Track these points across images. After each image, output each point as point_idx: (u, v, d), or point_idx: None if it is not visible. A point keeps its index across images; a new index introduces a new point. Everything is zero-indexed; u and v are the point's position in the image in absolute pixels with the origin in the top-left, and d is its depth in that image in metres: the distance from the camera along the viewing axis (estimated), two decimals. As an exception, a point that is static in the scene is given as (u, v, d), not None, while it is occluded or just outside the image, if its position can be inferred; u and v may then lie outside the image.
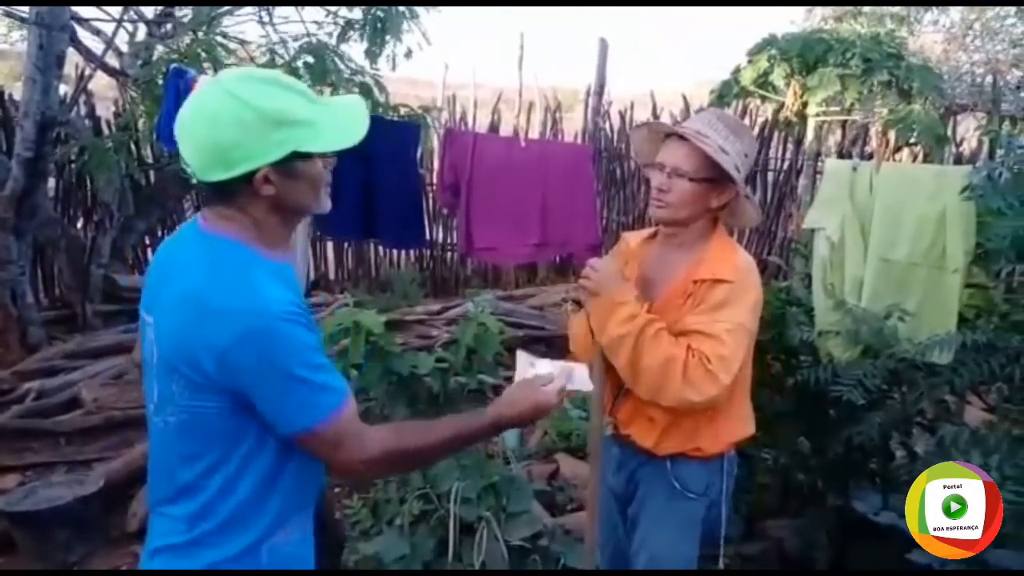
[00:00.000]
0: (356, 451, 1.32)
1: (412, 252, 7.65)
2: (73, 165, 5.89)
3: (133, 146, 5.44)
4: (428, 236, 6.69)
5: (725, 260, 1.87)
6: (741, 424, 1.99)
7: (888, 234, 2.70)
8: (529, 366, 1.65)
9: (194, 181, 1.28)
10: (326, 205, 1.39)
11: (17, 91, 5.45)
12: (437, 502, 2.60)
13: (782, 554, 3.08)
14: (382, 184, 4.70)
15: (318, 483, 1.47)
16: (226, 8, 5.13)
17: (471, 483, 2.58)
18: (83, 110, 6.18)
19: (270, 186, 1.27)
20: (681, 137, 1.88)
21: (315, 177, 1.32)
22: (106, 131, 6.16)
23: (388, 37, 4.96)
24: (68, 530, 3.14)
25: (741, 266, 1.86)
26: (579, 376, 1.64)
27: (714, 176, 1.85)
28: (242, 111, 1.22)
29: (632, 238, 2.15)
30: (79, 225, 6.36)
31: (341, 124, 1.32)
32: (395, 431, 1.39)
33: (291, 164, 1.27)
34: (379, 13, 4.93)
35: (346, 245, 7.43)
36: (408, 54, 5.14)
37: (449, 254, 7.78)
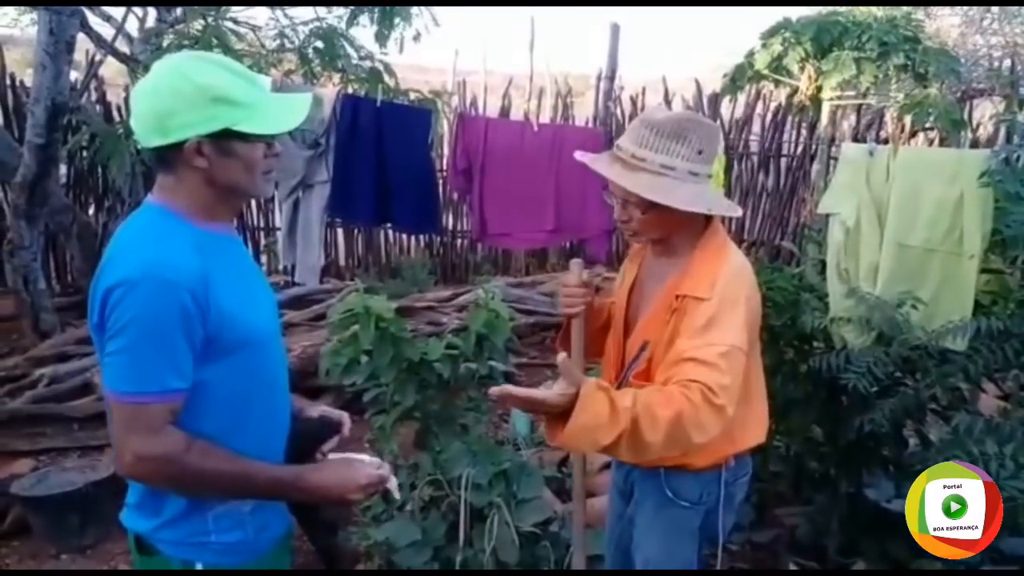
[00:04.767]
0: (138, 444, 1.29)
1: (422, 238, 7.63)
2: (85, 152, 5.90)
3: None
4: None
5: (707, 272, 1.71)
6: (740, 435, 1.82)
7: (905, 219, 2.67)
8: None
9: (139, 147, 1.33)
10: (264, 190, 1.46)
11: (28, 78, 5.45)
12: (448, 488, 2.61)
13: (793, 541, 3.07)
14: (394, 169, 4.69)
15: (263, 453, 1.45)
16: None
17: (482, 469, 2.58)
18: (94, 96, 6.20)
19: (202, 158, 1.34)
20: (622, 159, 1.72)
21: (251, 160, 1.39)
22: (117, 117, 6.17)
23: (397, 20, 4.93)
24: (81, 514, 3.17)
25: (722, 278, 1.69)
26: (394, 482, 1.56)
27: None
28: (180, 83, 1.31)
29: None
30: (91, 211, 6.39)
31: (279, 112, 1.40)
32: (187, 443, 1.32)
33: (227, 142, 1.35)
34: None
35: (356, 231, 7.42)
36: (417, 37, 5.10)
37: (459, 240, 7.76)
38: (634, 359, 1.85)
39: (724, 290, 1.68)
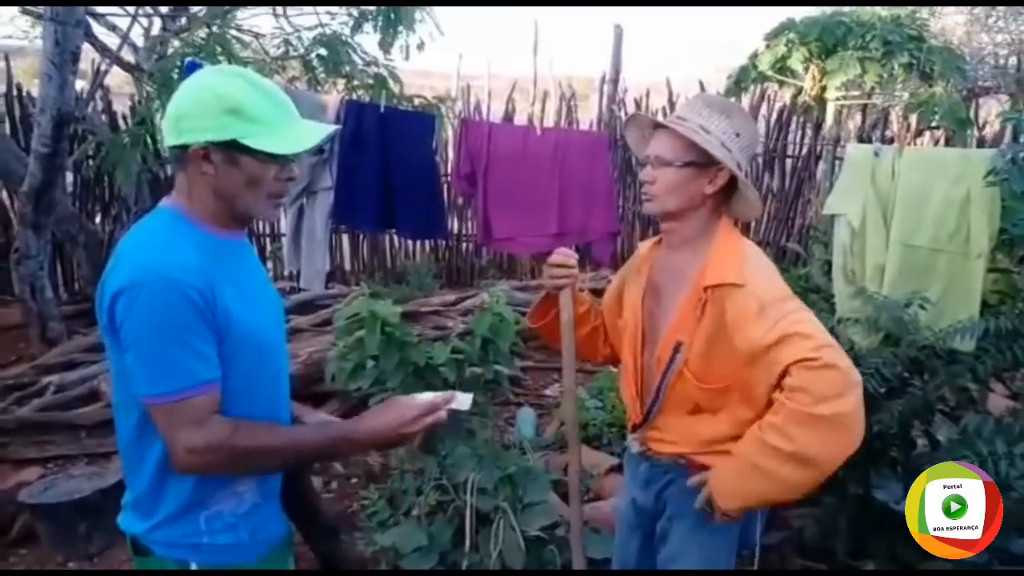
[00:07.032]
0: (186, 438, 1.32)
1: (427, 243, 7.63)
2: (91, 161, 5.92)
3: (149, 140, 5.47)
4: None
5: (729, 259, 1.74)
6: None
7: (911, 219, 2.66)
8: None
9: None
10: (268, 214, 1.47)
11: (36, 88, 5.49)
12: (454, 493, 2.60)
13: (801, 543, 3.05)
14: (400, 175, 4.68)
15: None
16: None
17: (487, 474, 2.58)
18: (99, 105, 6.23)
19: (208, 164, 1.37)
20: (663, 126, 1.82)
21: (256, 176, 1.39)
22: (122, 126, 6.21)
23: (401, 28, 4.94)
24: (88, 522, 3.16)
25: (746, 260, 1.73)
26: (462, 398, 1.52)
27: (698, 160, 1.74)
28: (203, 92, 1.37)
29: (644, 246, 2.06)
30: (97, 219, 6.42)
31: (290, 136, 1.40)
32: (232, 428, 1.35)
33: (235, 154, 1.37)
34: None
35: (361, 236, 7.43)
36: (420, 45, 5.11)
37: (464, 245, 7.76)
38: (670, 362, 1.81)
39: (752, 270, 1.71)
